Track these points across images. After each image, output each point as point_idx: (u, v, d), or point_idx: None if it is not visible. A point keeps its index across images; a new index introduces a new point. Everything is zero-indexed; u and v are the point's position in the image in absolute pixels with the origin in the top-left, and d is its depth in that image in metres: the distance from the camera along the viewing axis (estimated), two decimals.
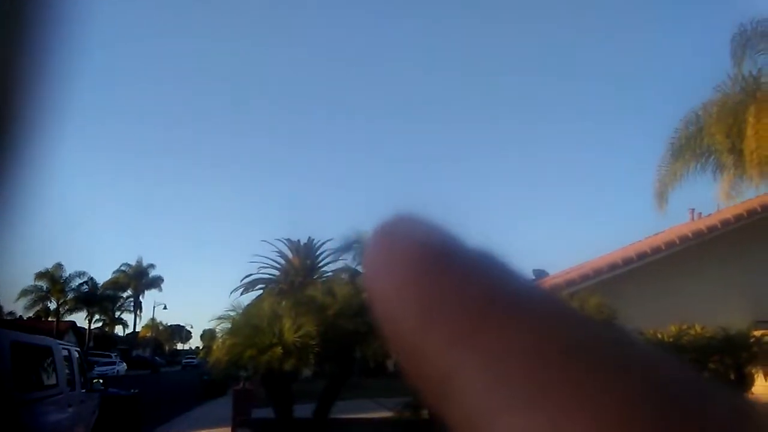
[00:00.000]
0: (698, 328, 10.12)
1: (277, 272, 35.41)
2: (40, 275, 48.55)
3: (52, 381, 6.45)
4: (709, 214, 15.97)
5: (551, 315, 0.20)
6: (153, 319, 71.03)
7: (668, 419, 0.17)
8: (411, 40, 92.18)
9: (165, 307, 63.73)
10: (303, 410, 8.59)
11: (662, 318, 10.41)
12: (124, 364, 45.20)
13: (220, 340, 8.73)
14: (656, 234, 16.09)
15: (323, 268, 35.13)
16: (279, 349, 7.84)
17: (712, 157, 14.39)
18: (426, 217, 0.23)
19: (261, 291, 33.55)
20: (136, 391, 13.09)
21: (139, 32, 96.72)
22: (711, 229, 13.46)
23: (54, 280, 48.95)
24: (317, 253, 36.00)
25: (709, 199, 15.13)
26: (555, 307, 0.21)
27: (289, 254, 35.98)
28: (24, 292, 48.26)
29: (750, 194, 14.51)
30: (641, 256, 13.08)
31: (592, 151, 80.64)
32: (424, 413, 11.03)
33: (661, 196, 14.93)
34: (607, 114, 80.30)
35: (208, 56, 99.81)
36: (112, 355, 45.55)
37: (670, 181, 14.73)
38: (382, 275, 0.22)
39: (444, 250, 0.22)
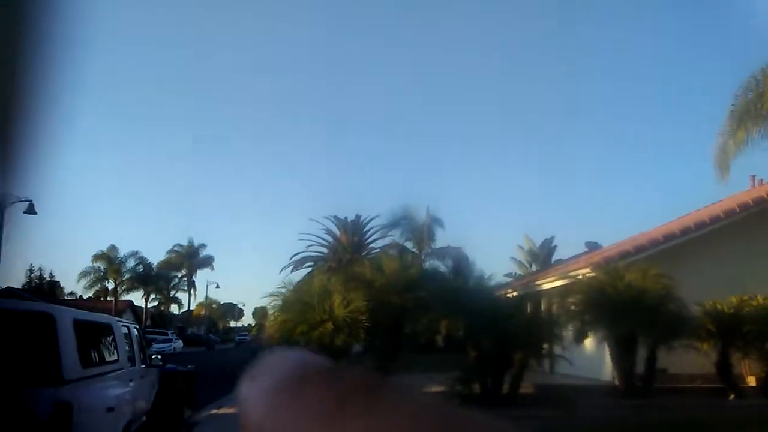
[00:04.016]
0: (760, 299, 9.74)
1: (325, 250, 35.73)
2: (97, 257, 50.49)
3: (113, 357, 6.65)
4: None
5: None
6: (207, 298, 72.92)
7: None
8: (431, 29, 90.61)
9: (217, 286, 65.59)
10: None
11: (722, 288, 10.05)
12: (181, 341, 46.55)
13: (272, 316, 8.85)
14: (714, 203, 15.49)
15: (371, 245, 35.28)
16: (330, 325, 7.90)
17: None
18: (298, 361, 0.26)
19: (310, 269, 33.95)
20: (192, 366, 13.43)
21: (170, 19, 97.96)
22: None
23: (110, 261, 50.74)
24: (364, 230, 36.09)
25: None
26: None
27: (337, 232, 36.17)
28: (83, 274, 50.34)
29: None
30: (699, 225, 12.61)
31: (646, 120, 78.09)
32: (476, 387, 11.00)
33: (723, 165, 14.33)
34: (662, 82, 77.45)
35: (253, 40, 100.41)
36: (169, 332, 46.98)
37: (731, 149, 14.11)
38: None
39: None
